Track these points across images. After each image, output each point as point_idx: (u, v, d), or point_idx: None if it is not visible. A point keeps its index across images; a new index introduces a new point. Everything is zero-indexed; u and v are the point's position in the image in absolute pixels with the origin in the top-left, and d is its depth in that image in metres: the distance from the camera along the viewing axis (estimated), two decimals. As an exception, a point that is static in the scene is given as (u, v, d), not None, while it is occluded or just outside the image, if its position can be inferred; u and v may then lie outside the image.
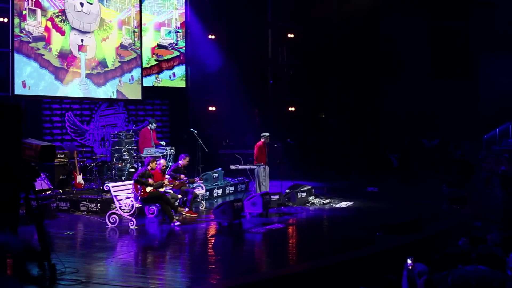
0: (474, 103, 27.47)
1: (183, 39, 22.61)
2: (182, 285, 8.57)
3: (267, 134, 15.86)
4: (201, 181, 15.30)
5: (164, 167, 14.14)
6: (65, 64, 17.29)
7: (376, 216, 13.50)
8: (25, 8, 16.24)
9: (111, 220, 12.47)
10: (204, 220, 13.44)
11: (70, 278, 8.18)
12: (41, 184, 14.31)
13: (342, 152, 25.19)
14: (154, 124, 17.24)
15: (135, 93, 19.95)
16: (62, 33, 17.26)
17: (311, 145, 26.24)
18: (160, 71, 21.91)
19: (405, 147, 25.75)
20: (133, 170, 15.53)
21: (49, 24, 16.90)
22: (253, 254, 11.00)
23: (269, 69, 26.39)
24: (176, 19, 22.36)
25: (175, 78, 22.38)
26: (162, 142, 17.42)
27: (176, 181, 13.90)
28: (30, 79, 16.33)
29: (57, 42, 17.10)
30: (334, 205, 15.32)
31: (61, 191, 15.32)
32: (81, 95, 18.10)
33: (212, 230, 12.48)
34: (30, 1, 16.38)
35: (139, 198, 12.78)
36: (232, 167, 15.84)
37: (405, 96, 27.14)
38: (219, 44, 23.86)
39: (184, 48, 22.63)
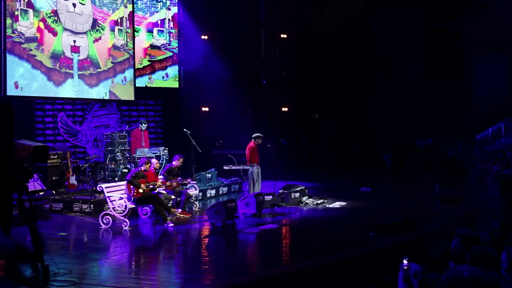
0: (466, 103, 27.55)
1: (176, 39, 22.61)
2: (176, 285, 8.55)
3: (259, 135, 15.78)
4: (194, 182, 15.28)
5: (158, 166, 14.13)
6: (58, 65, 17.24)
7: (370, 216, 13.50)
8: (17, 9, 16.18)
9: (104, 221, 12.44)
10: (198, 220, 13.42)
11: (63, 279, 8.13)
12: (34, 185, 14.25)
13: (335, 152, 25.23)
14: (144, 125, 17.21)
15: (127, 94, 19.93)
16: (55, 34, 17.21)
17: (304, 145, 26.30)
18: (153, 71, 21.91)
19: (398, 147, 25.82)
20: (126, 170, 15.51)
21: (42, 25, 16.85)
22: (246, 254, 11.00)
23: (262, 70, 26.44)
24: (168, 20, 22.35)
25: (168, 78, 22.37)
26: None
27: (169, 182, 13.87)
28: (22, 80, 16.27)
29: (50, 43, 17.05)
30: (327, 205, 15.32)
31: (54, 192, 15.27)
32: (74, 96, 18.05)
33: (206, 231, 12.46)
34: (22, 1, 16.32)
35: (132, 198, 12.76)
36: (225, 167, 15.81)
37: (398, 96, 27.19)
38: (212, 44, 23.86)
39: (177, 48, 22.62)
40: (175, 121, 22.52)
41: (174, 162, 14.49)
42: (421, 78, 28.23)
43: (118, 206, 12.61)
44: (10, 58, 15.96)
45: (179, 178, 14.15)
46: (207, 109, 24.49)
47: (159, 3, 22.09)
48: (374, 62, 27.49)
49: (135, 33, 20.60)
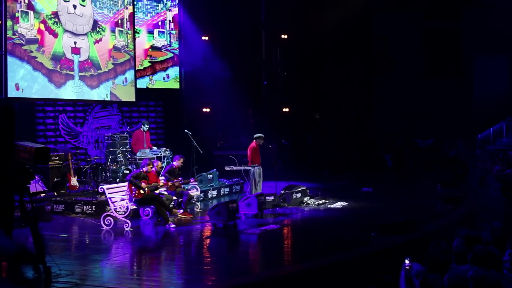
0: (467, 102, 27.55)
1: (176, 40, 22.61)
2: (177, 286, 8.55)
3: (261, 135, 15.80)
4: (195, 183, 15.27)
5: (160, 168, 14.13)
6: (58, 67, 17.25)
7: (371, 216, 13.48)
8: (18, 11, 16.18)
9: (106, 222, 12.44)
10: (199, 221, 13.42)
11: (65, 281, 8.15)
12: (35, 186, 14.28)
13: (336, 152, 25.22)
14: (146, 126, 17.21)
15: (128, 95, 19.93)
16: (55, 35, 17.21)
17: (305, 146, 26.28)
18: (154, 72, 21.91)
19: (399, 147, 25.79)
20: (127, 172, 15.51)
21: (42, 27, 16.85)
22: (248, 255, 10.99)
23: (263, 70, 26.44)
24: (169, 21, 22.35)
25: (169, 79, 22.38)
26: (155, 148, 17.35)
27: (170, 182, 13.88)
28: (23, 81, 16.27)
29: (50, 44, 17.05)
30: (329, 206, 15.31)
31: (55, 193, 15.29)
32: (75, 97, 18.05)
33: (207, 232, 12.46)
34: (22, 3, 16.32)
35: (134, 199, 12.76)
36: (226, 168, 15.82)
37: (399, 96, 27.21)
38: (213, 45, 23.86)
39: (177, 49, 22.63)
40: (176, 122, 22.52)
41: (174, 163, 14.50)
42: (422, 78, 28.25)
43: (120, 207, 12.62)
44: (11, 60, 15.96)
45: (180, 178, 14.16)
46: (208, 110, 24.49)
47: (159, 4, 22.09)
48: (374, 62, 27.49)
49: (136, 34, 20.61)
